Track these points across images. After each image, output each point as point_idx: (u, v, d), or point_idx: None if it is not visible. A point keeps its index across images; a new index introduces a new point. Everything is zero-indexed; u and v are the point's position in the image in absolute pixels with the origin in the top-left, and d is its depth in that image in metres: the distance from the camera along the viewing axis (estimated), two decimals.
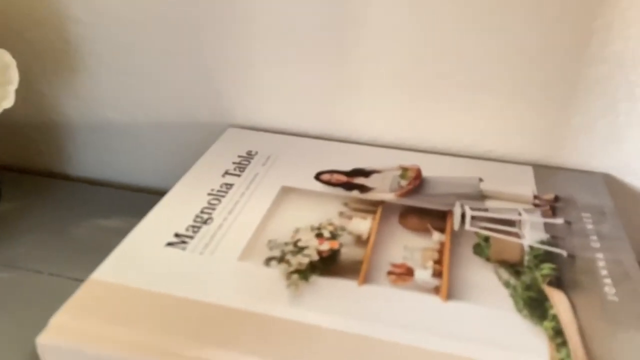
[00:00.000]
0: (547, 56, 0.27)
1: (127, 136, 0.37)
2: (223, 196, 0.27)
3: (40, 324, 0.26)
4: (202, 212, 0.25)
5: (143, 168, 0.37)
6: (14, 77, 0.27)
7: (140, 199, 0.36)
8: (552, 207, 0.26)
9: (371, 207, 0.26)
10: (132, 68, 0.34)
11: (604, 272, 0.22)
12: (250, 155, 0.30)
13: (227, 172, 0.29)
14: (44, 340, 0.19)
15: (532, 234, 0.24)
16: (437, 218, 0.25)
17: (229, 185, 0.27)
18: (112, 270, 0.22)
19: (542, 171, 0.29)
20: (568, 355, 0.18)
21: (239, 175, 0.28)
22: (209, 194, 0.27)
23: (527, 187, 0.28)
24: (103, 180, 0.39)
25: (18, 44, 0.34)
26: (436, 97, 0.30)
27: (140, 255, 0.22)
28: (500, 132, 0.30)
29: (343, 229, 0.24)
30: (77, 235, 0.33)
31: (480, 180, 0.28)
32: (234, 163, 0.30)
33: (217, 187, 0.27)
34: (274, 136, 0.33)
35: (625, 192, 0.30)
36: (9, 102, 0.27)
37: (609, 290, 0.21)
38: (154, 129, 0.36)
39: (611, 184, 0.30)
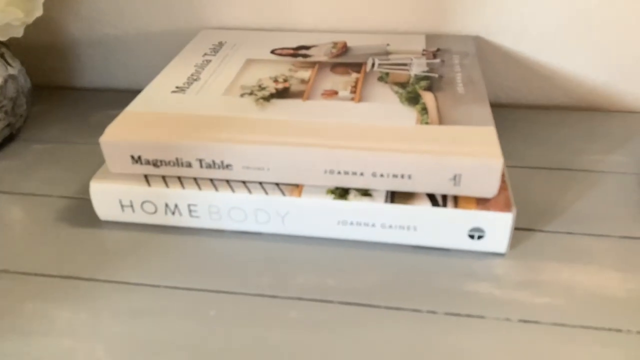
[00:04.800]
0: None
1: (123, 48, 0.46)
2: (205, 66, 0.37)
3: (83, 168, 0.37)
4: (191, 75, 0.36)
5: (138, 73, 0.48)
6: None
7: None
8: (434, 54, 0.38)
9: (311, 65, 0.37)
10: None
11: (459, 82, 0.34)
12: (221, 44, 0.41)
13: (205, 54, 0.39)
14: (105, 139, 0.29)
15: (417, 68, 0.36)
16: (356, 67, 0.37)
17: (208, 61, 0.38)
18: (137, 106, 0.32)
19: (432, 37, 0.41)
20: (427, 117, 0.30)
21: (214, 55, 0.39)
22: (194, 66, 0.37)
23: (419, 46, 0.39)
24: (105, 88, 0.49)
25: None
26: None
27: (154, 97, 0.33)
28: (402, 13, 0.41)
29: (292, 76, 0.35)
30: (95, 119, 0.43)
31: (388, 44, 0.40)
32: (209, 48, 0.40)
33: (199, 62, 0.38)
34: (239, 31, 0.43)
35: (489, 46, 0.42)
36: (39, 11, 0.37)
37: (460, 89, 0.33)
38: (143, 39, 0.46)
39: (480, 41, 0.42)
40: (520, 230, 0.30)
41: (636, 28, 0.39)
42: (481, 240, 0.28)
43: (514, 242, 0.29)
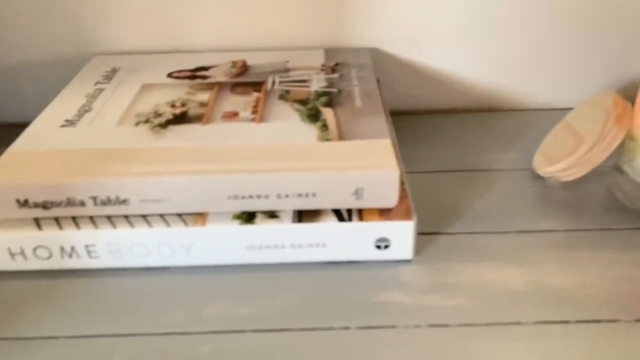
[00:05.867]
0: None
1: (7, 79, 0.43)
2: (97, 95, 0.35)
3: None
4: (82, 106, 0.34)
5: (25, 106, 0.44)
6: None
7: None
8: (333, 69, 0.38)
9: (210, 87, 0.36)
10: (6, 17, 0.40)
11: (357, 96, 0.34)
12: (114, 71, 0.39)
13: (97, 82, 0.37)
14: None
15: (317, 84, 0.36)
16: (257, 86, 0.36)
17: (101, 89, 0.36)
18: (21, 145, 0.30)
19: (330, 51, 0.41)
20: (328, 133, 0.30)
21: (107, 82, 0.37)
22: (86, 96, 0.35)
23: (318, 61, 0.40)
24: None
25: None
26: (254, 6, 0.41)
27: (41, 134, 0.31)
28: (300, 28, 0.42)
29: (190, 100, 0.35)
30: None
31: (287, 61, 0.40)
32: (102, 76, 0.38)
33: (91, 92, 0.36)
34: (134, 56, 0.41)
35: (386, 57, 0.43)
36: None
37: (358, 103, 0.34)
38: (30, 69, 0.43)
39: (377, 52, 0.43)
40: (425, 234, 0.31)
41: (519, 31, 0.42)
42: (388, 250, 0.29)
43: (420, 247, 0.30)
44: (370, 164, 0.28)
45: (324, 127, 0.31)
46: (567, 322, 0.26)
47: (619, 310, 0.26)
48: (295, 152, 0.29)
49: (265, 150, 0.29)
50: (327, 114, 0.33)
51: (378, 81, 0.43)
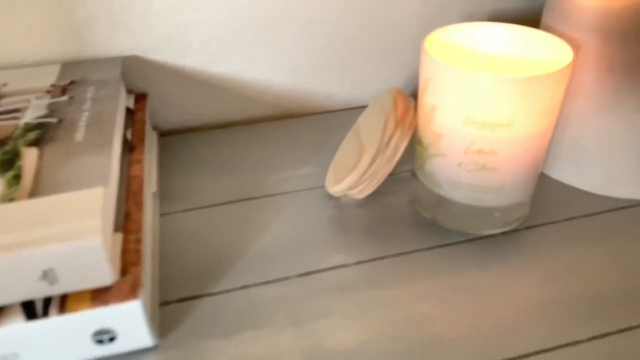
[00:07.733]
0: None
1: None
2: None
3: None
4: None
5: None
6: None
7: None
8: (65, 89, 0.29)
9: None
10: None
11: (82, 125, 0.26)
12: None
13: None
14: None
15: (32, 113, 0.27)
16: None
17: None
18: None
19: (70, 65, 0.32)
20: (16, 189, 0.22)
21: None
22: None
23: (48, 80, 0.30)
24: None
25: None
26: None
27: None
28: (29, 38, 0.32)
29: None
30: None
31: (4, 84, 0.30)
32: None
33: None
34: None
35: (150, 65, 0.35)
36: None
37: (79, 135, 0.25)
38: None
39: (138, 61, 0.34)
40: (182, 301, 0.24)
41: (309, 26, 0.36)
42: (116, 342, 0.21)
43: (172, 323, 0.23)
44: (62, 232, 0.19)
45: (16, 178, 0.22)
46: None
47: None
48: None
49: None
50: (28, 157, 0.24)
51: (144, 96, 0.35)
